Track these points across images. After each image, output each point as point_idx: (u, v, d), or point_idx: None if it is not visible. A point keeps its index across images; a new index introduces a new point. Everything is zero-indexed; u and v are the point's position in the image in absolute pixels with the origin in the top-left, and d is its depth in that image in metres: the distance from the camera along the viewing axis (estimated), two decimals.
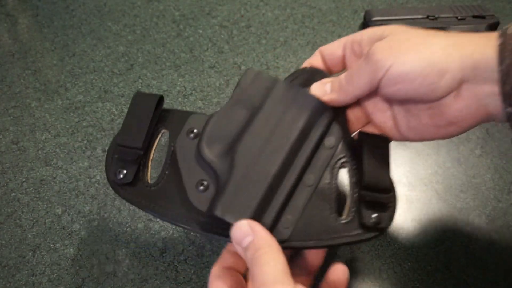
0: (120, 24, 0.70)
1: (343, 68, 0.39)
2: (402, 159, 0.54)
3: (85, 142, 0.57)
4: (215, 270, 0.33)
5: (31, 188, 0.53)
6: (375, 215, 0.33)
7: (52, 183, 0.53)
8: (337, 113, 0.36)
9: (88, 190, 0.52)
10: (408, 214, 0.50)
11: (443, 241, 0.48)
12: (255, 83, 0.36)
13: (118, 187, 0.35)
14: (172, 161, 0.36)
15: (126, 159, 0.35)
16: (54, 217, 0.51)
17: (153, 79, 0.63)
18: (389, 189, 0.34)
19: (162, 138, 0.38)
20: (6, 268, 0.47)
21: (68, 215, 0.51)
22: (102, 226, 0.50)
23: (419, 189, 0.52)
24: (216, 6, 0.72)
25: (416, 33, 0.32)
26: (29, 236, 0.49)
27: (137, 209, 0.51)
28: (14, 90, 0.62)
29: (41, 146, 0.56)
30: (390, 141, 0.36)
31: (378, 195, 0.34)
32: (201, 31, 0.69)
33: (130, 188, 0.35)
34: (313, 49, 0.65)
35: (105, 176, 0.53)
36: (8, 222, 0.50)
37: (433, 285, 0.46)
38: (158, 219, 0.50)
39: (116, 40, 0.68)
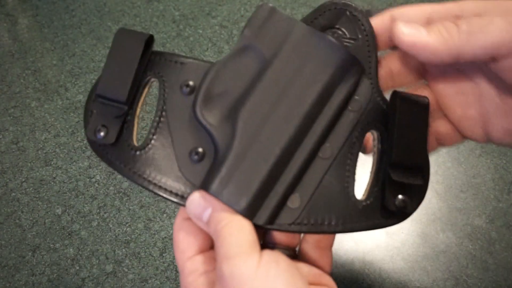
0: (120, 24, 0.70)
1: None
2: None
3: (85, 142, 0.56)
4: (177, 222, 0.29)
5: (31, 188, 0.53)
6: (401, 197, 0.27)
7: (52, 183, 0.53)
8: (368, 63, 0.29)
9: (88, 190, 0.52)
10: None
11: (443, 241, 0.48)
12: (269, 23, 0.28)
13: (99, 147, 0.29)
14: (162, 120, 0.29)
15: (108, 115, 0.28)
16: (54, 217, 0.51)
17: None
18: (421, 168, 0.28)
19: (153, 88, 0.32)
20: (6, 268, 0.47)
21: (68, 215, 0.51)
22: (102, 226, 0.50)
23: None
24: (216, 6, 0.72)
25: None
26: (29, 236, 0.49)
27: (136, 209, 0.51)
28: (14, 90, 0.62)
29: (41, 146, 0.56)
30: (429, 102, 0.28)
31: (408, 174, 0.27)
32: (201, 31, 0.69)
33: (112, 149, 0.29)
34: None
35: (105, 177, 0.53)
36: (8, 222, 0.50)
37: (433, 284, 0.46)
38: (158, 219, 0.50)
39: None
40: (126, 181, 0.53)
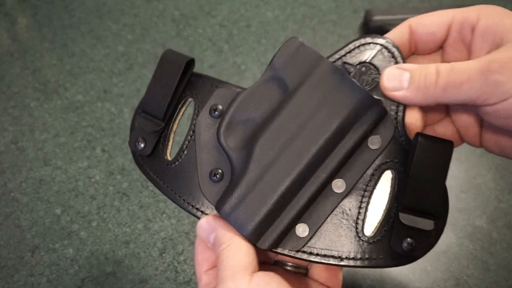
0: (119, 24, 0.70)
1: (436, 50, 0.31)
2: None
3: (84, 142, 0.56)
4: (198, 237, 0.31)
5: (30, 188, 0.53)
6: (409, 241, 0.27)
7: (51, 183, 0.53)
8: (395, 103, 0.29)
9: (87, 190, 0.52)
10: None
11: (443, 241, 0.48)
12: (296, 57, 0.30)
13: (138, 157, 0.32)
14: (192, 138, 0.31)
15: (147, 128, 0.31)
16: (53, 217, 0.50)
17: None
18: (435, 213, 0.27)
19: (189, 107, 0.34)
20: (5, 268, 0.47)
21: (67, 215, 0.50)
22: (101, 226, 0.50)
23: None
24: (216, 6, 0.72)
25: None
26: (28, 236, 0.49)
27: (136, 209, 0.51)
28: (13, 89, 0.62)
29: (40, 146, 0.56)
30: (453, 148, 0.28)
31: (419, 219, 0.27)
32: (201, 31, 0.69)
33: (148, 160, 0.32)
34: None
35: (105, 177, 0.53)
36: (7, 222, 0.50)
37: (433, 285, 0.46)
38: (157, 219, 0.50)
39: (116, 39, 0.68)
40: (125, 182, 0.53)
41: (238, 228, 0.27)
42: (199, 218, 0.30)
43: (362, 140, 0.29)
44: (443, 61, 0.30)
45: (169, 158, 0.32)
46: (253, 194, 0.28)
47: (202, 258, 0.30)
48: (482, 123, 0.30)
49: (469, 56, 0.29)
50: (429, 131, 0.32)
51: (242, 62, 0.65)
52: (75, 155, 0.55)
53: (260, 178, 0.28)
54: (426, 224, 0.27)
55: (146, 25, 0.69)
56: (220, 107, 0.31)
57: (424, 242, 0.27)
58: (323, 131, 0.28)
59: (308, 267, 0.33)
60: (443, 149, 0.27)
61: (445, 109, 0.32)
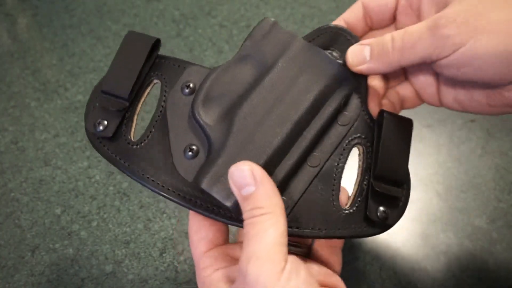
0: (119, 24, 0.70)
1: (391, 23, 0.33)
2: None
3: (84, 142, 0.56)
4: (190, 217, 0.30)
5: (30, 188, 0.53)
6: (383, 209, 0.29)
7: (52, 183, 0.53)
8: (358, 82, 0.31)
9: (87, 190, 0.52)
10: (408, 214, 0.50)
11: (443, 241, 0.48)
12: (270, 36, 0.30)
13: (97, 140, 0.31)
14: (161, 118, 0.31)
15: (109, 109, 0.30)
16: (54, 217, 0.50)
17: None
18: (403, 182, 0.30)
19: (153, 89, 0.34)
20: (5, 268, 0.47)
21: (68, 215, 0.51)
22: (101, 226, 0.50)
23: (419, 189, 0.52)
24: (216, 6, 0.72)
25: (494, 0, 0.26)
26: (28, 236, 0.49)
27: (136, 209, 0.51)
28: (13, 89, 0.62)
29: (41, 146, 0.56)
30: (412, 124, 0.32)
31: (390, 187, 0.29)
32: (201, 31, 0.69)
33: (110, 143, 0.30)
34: None
35: (105, 177, 0.53)
36: (7, 222, 0.50)
37: (433, 285, 0.46)
38: (157, 219, 0.50)
39: (116, 39, 0.68)
40: (126, 181, 0.53)
41: (223, 199, 0.26)
42: (167, 197, 0.29)
43: (336, 115, 0.30)
44: (397, 29, 0.32)
45: (133, 139, 0.31)
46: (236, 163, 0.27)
47: (198, 238, 0.29)
48: (439, 81, 0.32)
49: (419, 20, 0.31)
50: (391, 94, 0.35)
51: None
52: (75, 155, 0.55)
53: (241, 150, 0.28)
54: (397, 191, 0.29)
55: (146, 25, 0.69)
56: (192, 84, 0.31)
57: (395, 209, 0.29)
58: (300, 104, 0.29)
59: (311, 246, 0.33)
60: (405, 125, 0.31)
61: (404, 73, 0.34)
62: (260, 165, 0.26)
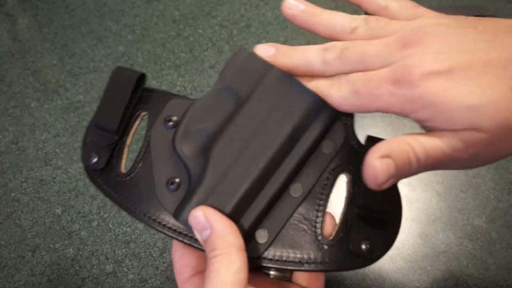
0: (120, 24, 0.70)
1: None
2: None
3: None
4: (173, 243, 0.30)
5: (30, 188, 0.53)
6: (367, 241, 0.27)
7: (52, 183, 0.53)
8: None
9: (88, 190, 0.52)
10: (408, 214, 0.50)
11: (443, 241, 0.48)
12: (246, 67, 0.30)
13: (92, 172, 0.32)
14: (147, 150, 0.32)
15: (101, 143, 0.32)
16: (54, 217, 0.51)
17: (153, 79, 0.63)
18: (391, 213, 0.28)
19: (145, 121, 0.34)
20: (6, 268, 0.47)
21: (68, 215, 0.51)
22: (102, 226, 0.50)
23: (419, 189, 0.52)
24: (216, 6, 0.72)
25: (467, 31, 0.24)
26: (29, 236, 0.49)
27: None
28: (13, 90, 0.62)
29: (41, 146, 0.56)
30: None
31: (376, 218, 0.28)
32: (201, 31, 0.69)
33: (102, 175, 0.32)
34: None
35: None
36: (7, 222, 0.50)
37: (433, 285, 0.46)
38: None
39: (116, 40, 0.68)
40: None
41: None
42: (155, 229, 0.29)
43: (316, 144, 0.29)
44: None
45: (124, 171, 0.32)
46: (211, 200, 0.27)
47: (181, 265, 0.29)
48: None
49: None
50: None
51: None
52: (76, 155, 0.55)
53: (217, 184, 0.28)
54: (382, 223, 0.28)
55: (146, 26, 0.69)
56: (174, 117, 0.31)
57: (382, 242, 0.28)
58: (277, 136, 0.28)
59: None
60: None
61: None
62: (236, 199, 0.27)
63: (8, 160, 0.55)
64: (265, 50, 0.29)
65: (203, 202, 0.27)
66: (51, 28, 0.70)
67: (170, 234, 0.29)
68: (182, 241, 0.29)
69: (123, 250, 0.48)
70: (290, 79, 0.29)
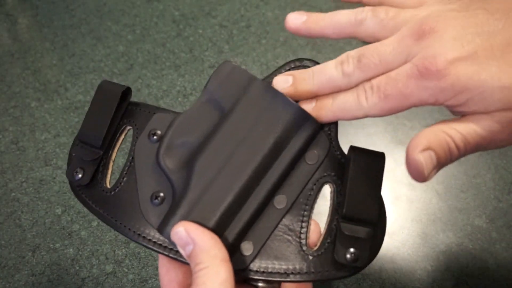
0: (120, 24, 0.70)
1: None
2: (402, 159, 0.54)
3: None
4: (159, 258, 0.30)
5: (30, 188, 0.53)
6: (352, 250, 0.27)
7: (52, 183, 0.53)
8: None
9: None
10: (408, 214, 0.50)
11: (443, 241, 0.48)
12: (230, 79, 0.30)
13: (76, 188, 0.32)
14: (131, 165, 0.32)
15: (85, 158, 0.31)
16: (54, 217, 0.51)
17: (153, 79, 0.63)
18: (375, 223, 0.28)
19: (128, 136, 0.35)
20: (6, 268, 0.47)
21: (68, 215, 0.51)
22: (102, 226, 0.50)
23: (419, 189, 0.52)
24: (216, 6, 0.72)
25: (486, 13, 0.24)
26: (29, 236, 0.49)
27: None
28: (13, 90, 0.62)
29: (41, 146, 0.56)
30: (385, 159, 0.30)
31: (360, 228, 0.28)
32: (201, 31, 0.69)
33: (87, 190, 0.32)
34: (313, 49, 0.66)
35: None
36: (7, 222, 0.50)
37: (433, 285, 0.46)
38: None
39: (116, 40, 0.68)
40: None
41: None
42: (141, 244, 0.30)
43: (300, 155, 0.29)
44: None
45: (109, 186, 0.32)
46: (195, 214, 0.28)
47: (168, 280, 0.29)
48: None
49: None
50: None
51: (242, 63, 0.65)
52: None
53: (201, 197, 0.28)
54: (366, 232, 0.27)
55: (146, 26, 0.69)
56: (158, 131, 0.31)
57: (366, 251, 0.27)
58: (260, 148, 0.28)
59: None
60: (376, 161, 0.29)
61: None
62: (220, 212, 0.27)
63: (8, 160, 0.55)
64: (283, 81, 0.29)
65: (187, 215, 0.27)
66: (51, 28, 0.70)
67: (155, 248, 0.30)
68: (167, 255, 0.29)
69: (123, 250, 0.48)
70: (274, 90, 0.29)
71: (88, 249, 0.48)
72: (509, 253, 0.47)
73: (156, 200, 0.30)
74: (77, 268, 0.47)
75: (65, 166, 0.54)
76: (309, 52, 0.66)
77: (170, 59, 0.65)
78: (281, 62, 0.65)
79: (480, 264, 0.47)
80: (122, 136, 0.33)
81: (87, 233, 0.49)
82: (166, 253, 0.29)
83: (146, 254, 0.48)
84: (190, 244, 0.25)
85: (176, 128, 0.30)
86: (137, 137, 0.32)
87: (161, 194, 0.30)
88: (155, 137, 0.31)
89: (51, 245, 0.49)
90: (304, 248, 0.29)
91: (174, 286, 0.29)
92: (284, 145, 0.29)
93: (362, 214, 0.28)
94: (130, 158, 0.32)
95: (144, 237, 0.30)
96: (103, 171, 0.32)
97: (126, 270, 0.47)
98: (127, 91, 0.33)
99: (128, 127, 0.33)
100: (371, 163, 0.29)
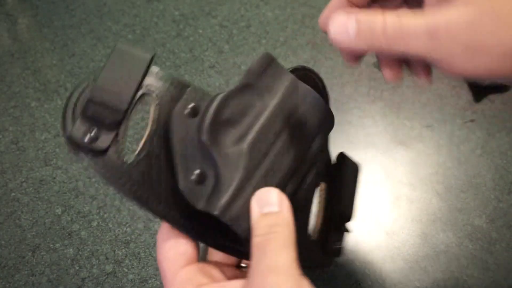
0: (120, 24, 0.70)
1: None
2: (403, 159, 0.54)
3: None
4: (164, 232, 0.28)
5: (30, 188, 0.53)
6: (338, 242, 0.33)
7: (52, 183, 0.53)
8: (326, 119, 0.34)
9: (88, 190, 0.52)
10: (408, 214, 0.50)
11: (443, 241, 0.48)
12: (268, 70, 0.31)
13: (86, 151, 0.27)
14: (158, 136, 0.29)
15: (101, 121, 0.27)
16: (54, 217, 0.51)
17: None
18: (351, 218, 0.34)
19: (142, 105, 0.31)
20: (6, 268, 0.47)
21: (68, 215, 0.51)
22: (101, 226, 0.50)
23: (419, 189, 0.52)
24: (216, 6, 0.72)
25: None
26: (29, 236, 0.49)
27: (136, 209, 0.51)
28: (13, 90, 0.62)
29: (41, 146, 0.56)
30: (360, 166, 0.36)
31: (345, 221, 0.33)
32: (201, 31, 0.69)
33: (98, 157, 0.27)
34: (313, 49, 0.65)
35: None
36: (7, 222, 0.50)
37: (433, 285, 0.46)
38: (157, 219, 0.50)
39: (116, 39, 0.68)
40: None
41: (236, 227, 0.27)
42: (166, 220, 0.28)
43: (322, 151, 0.32)
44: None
45: (125, 156, 0.28)
46: (247, 193, 0.28)
47: (175, 253, 0.28)
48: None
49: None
50: None
51: (242, 62, 0.65)
52: None
53: (252, 178, 0.28)
54: (349, 227, 0.33)
55: (146, 25, 0.69)
56: (193, 105, 0.29)
57: (344, 243, 0.33)
58: (296, 141, 0.31)
59: None
60: (356, 167, 0.35)
61: None
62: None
63: (8, 160, 0.55)
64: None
65: (239, 194, 0.28)
66: (51, 28, 0.70)
67: (178, 227, 0.28)
68: (192, 236, 0.29)
69: (123, 250, 0.48)
70: (305, 87, 0.32)
71: (88, 249, 0.48)
72: (509, 253, 0.47)
73: (198, 179, 0.28)
74: (77, 268, 0.47)
75: (65, 166, 0.54)
76: (309, 52, 0.66)
77: (170, 59, 0.65)
78: (281, 62, 0.65)
79: (480, 264, 0.47)
80: (139, 104, 0.29)
81: (87, 233, 0.49)
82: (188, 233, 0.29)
83: (146, 254, 0.48)
84: (274, 206, 0.26)
85: (220, 105, 0.29)
86: (159, 107, 0.29)
87: (203, 173, 0.28)
88: (190, 110, 0.29)
89: (51, 245, 0.49)
90: (307, 234, 0.32)
91: (185, 259, 0.28)
92: (314, 138, 0.32)
93: (352, 212, 0.33)
94: (155, 128, 0.29)
95: (172, 215, 0.28)
96: (116, 138, 0.28)
97: (126, 270, 0.47)
98: (153, 57, 0.29)
99: (147, 96, 0.29)
100: (355, 169, 0.35)
